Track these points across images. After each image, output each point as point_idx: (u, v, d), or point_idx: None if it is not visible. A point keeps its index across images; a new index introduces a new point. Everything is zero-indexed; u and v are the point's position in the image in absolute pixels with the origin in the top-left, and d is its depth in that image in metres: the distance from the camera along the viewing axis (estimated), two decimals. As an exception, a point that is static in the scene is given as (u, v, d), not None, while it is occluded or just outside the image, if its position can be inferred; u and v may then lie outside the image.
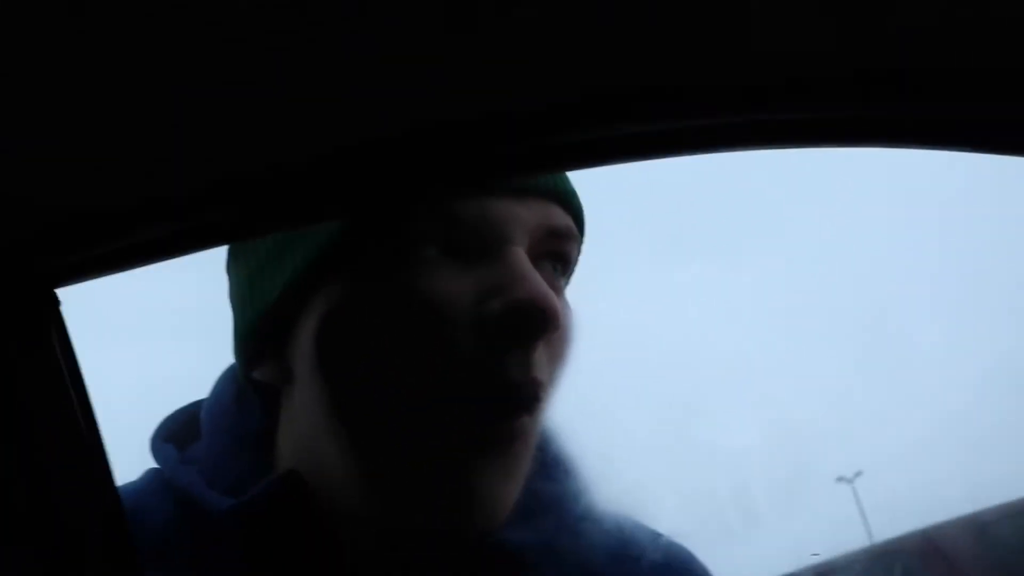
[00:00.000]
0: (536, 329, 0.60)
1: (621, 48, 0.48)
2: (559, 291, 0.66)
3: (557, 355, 0.64)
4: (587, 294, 0.72)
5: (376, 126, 0.50)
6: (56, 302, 0.58)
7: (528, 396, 0.61)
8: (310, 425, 0.65)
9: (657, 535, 0.73)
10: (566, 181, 0.68)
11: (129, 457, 0.68)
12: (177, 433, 0.72)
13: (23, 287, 0.56)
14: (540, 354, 0.62)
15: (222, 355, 0.72)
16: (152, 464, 0.70)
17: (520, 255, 0.62)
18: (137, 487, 0.69)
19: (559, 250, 0.66)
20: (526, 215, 0.63)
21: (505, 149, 0.54)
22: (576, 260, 0.69)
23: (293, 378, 0.65)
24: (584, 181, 0.67)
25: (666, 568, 0.72)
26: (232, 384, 0.71)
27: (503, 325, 0.60)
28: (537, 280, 0.61)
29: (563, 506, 0.68)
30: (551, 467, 0.69)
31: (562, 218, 0.66)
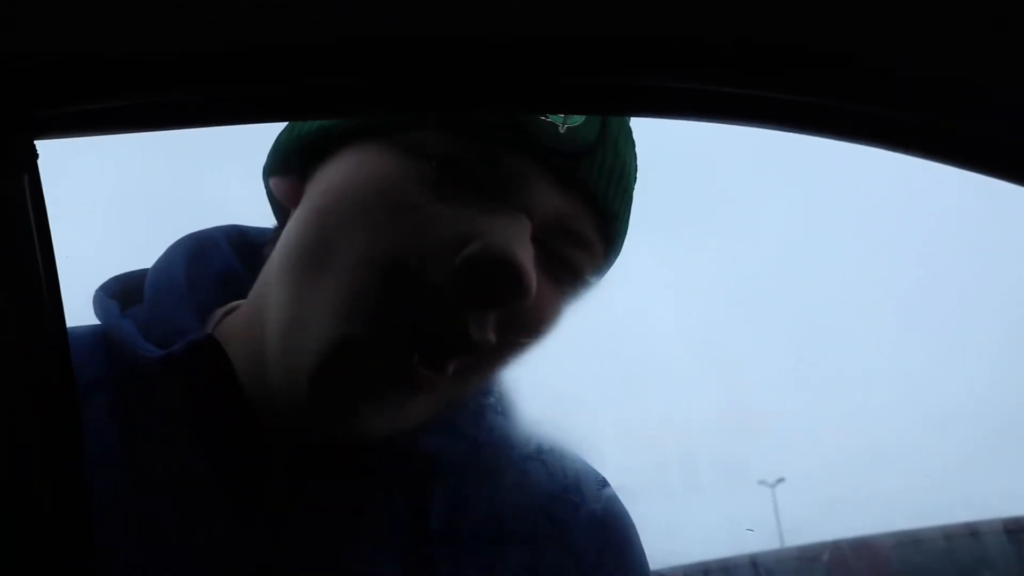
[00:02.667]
0: (496, 287, 0.60)
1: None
2: (552, 288, 0.65)
3: (514, 334, 0.64)
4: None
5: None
6: (33, 152, 0.57)
7: (458, 346, 0.62)
8: (279, 259, 0.66)
9: (603, 484, 0.75)
10: (622, 205, 0.68)
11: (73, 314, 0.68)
12: (121, 293, 0.73)
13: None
14: (493, 320, 0.63)
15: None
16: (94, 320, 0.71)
17: (522, 222, 0.62)
18: (77, 330, 0.70)
19: (566, 254, 0.65)
20: (553, 199, 0.63)
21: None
22: (585, 277, 0.68)
23: (297, 203, 0.67)
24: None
25: (601, 522, 0.73)
26: (184, 253, 0.73)
27: (467, 268, 0.60)
28: (522, 249, 0.61)
29: (508, 440, 0.69)
30: (502, 404, 0.70)
31: (589, 229, 0.66)
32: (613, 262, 0.70)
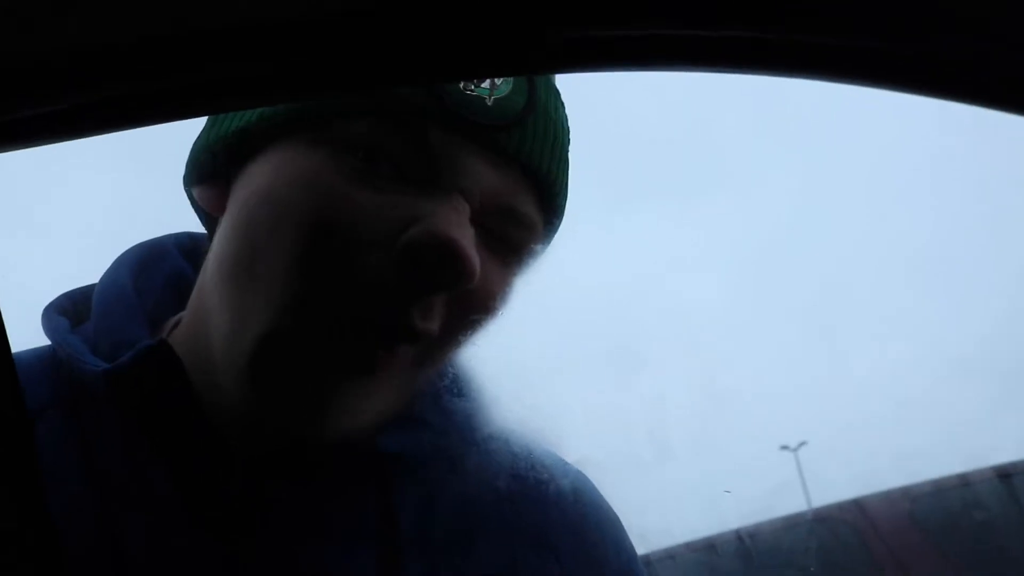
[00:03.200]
0: (438, 272, 0.58)
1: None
2: (497, 265, 0.64)
3: (462, 313, 0.63)
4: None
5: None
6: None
7: (403, 336, 0.60)
8: (212, 270, 0.64)
9: (565, 464, 0.73)
10: (559, 170, 0.65)
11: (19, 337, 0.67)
12: (69, 310, 0.71)
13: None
14: (439, 305, 0.61)
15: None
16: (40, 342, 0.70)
17: (459, 204, 0.60)
18: (28, 353, 0.69)
19: (507, 234, 0.64)
20: (489, 178, 0.61)
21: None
22: (528, 254, 0.66)
23: (222, 210, 0.65)
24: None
25: (573, 497, 0.72)
26: (130, 262, 0.71)
27: (407, 255, 0.58)
28: (461, 230, 0.59)
29: (471, 423, 0.67)
30: (461, 385, 0.68)
31: (527, 205, 0.64)
32: (557, 230, 0.68)
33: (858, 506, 4.08)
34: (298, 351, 0.59)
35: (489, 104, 0.61)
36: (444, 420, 0.68)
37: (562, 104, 0.68)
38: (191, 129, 0.70)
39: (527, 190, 0.63)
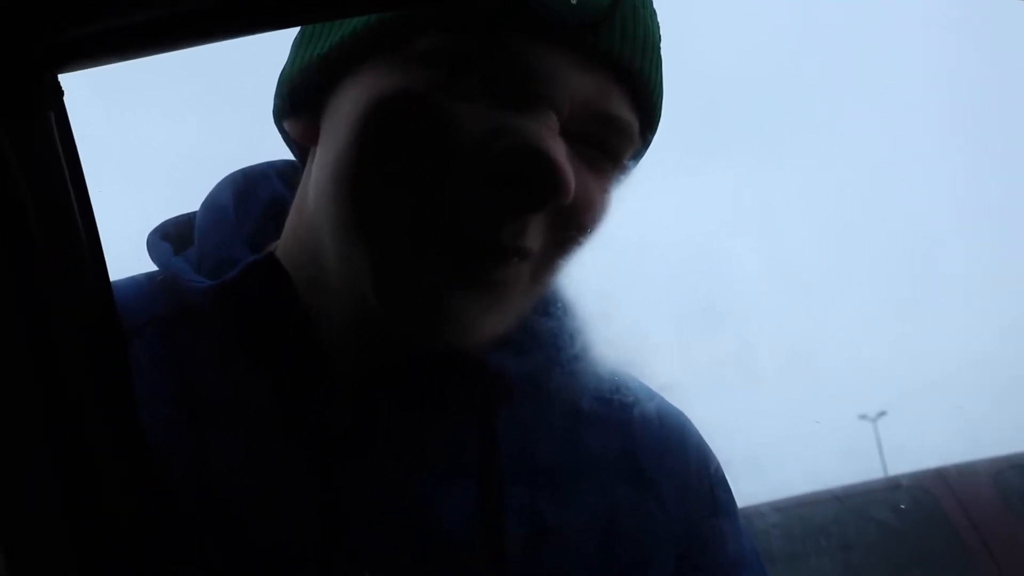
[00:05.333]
0: (531, 188, 0.57)
1: None
2: (590, 177, 0.62)
3: (565, 228, 0.61)
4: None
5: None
6: (58, 89, 0.56)
7: (500, 253, 0.59)
8: (313, 200, 0.64)
9: (652, 392, 0.72)
10: (652, 68, 0.62)
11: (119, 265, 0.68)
12: (172, 235, 0.72)
13: (20, 67, 0.54)
14: (539, 222, 0.60)
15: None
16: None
17: (548, 119, 0.58)
18: (127, 280, 0.70)
19: (602, 140, 0.61)
20: (580, 85, 0.59)
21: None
22: (626, 160, 0.64)
23: (316, 140, 0.65)
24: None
25: (658, 422, 0.71)
26: (231, 186, 0.72)
27: (497, 170, 0.57)
28: (552, 143, 0.57)
29: (557, 343, 0.66)
30: (550, 305, 0.67)
31: (623, 109, 0.61)
32: (654, 134, 0.66)
33: (940, 476, 3.98)
34: (404, 261, 0.59)
35: (573, 3, 0.58)
36: (542, 342, 0.67)
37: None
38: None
39: (620, 92, 0.61)
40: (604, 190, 0.62)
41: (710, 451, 0.74)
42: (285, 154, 0.75)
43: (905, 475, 4.21)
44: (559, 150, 0.58)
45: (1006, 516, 3.74)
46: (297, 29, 0.69)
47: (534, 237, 0.60)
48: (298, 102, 0.67)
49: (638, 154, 0.66)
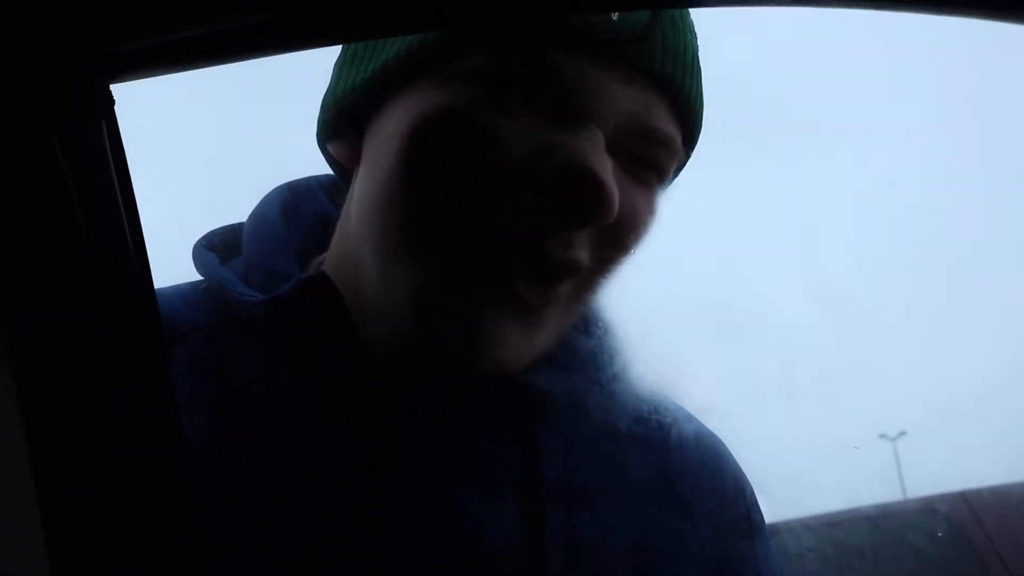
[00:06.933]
0: (577, 206, 0.57)
1: None
2: (635, 192, 0.62)
3: (610, 245, 0.61)
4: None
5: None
6: (110, 98, 0.57)
7: (554, 270, 0.59)
8: (355, 220, 0.65)
9: (690, 415, 0.72)
10: (696, 84, 0.63)
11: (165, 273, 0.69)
12: (217, 246, 0.72)
13: (74, 75, 0.55)
14: (583, 238, 0.60)
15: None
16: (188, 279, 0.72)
17: (594, 134, 0.59)
18: (173, 288, 0.71)
19: (647, 155, 0.62)
20: (624, 99, 0.59)
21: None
22: (670, 174, 0.64)
23: (360, 161, 0.66)
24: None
25: (695, 444, 0.71)
26: (278, 200, 0.72)
27: (544, 188, 0.57)
28: (598, 161, 0.57)
29: (597, 363, 0.66)
30: (590, 324, 0.67)
31: (666, 122, 0.61)
32: (696, 145, 0.66)
33: (963, 499, 3.93)
34: (446, 284, 0.60)
35: (614, 18, 0.58)
36: (583, 360, 0.67)
37: (687, 11, 0.65)
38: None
39: (662, 106, 0.61)
40: (648, 205, 0.63)
41: (745, 475, 0.74)
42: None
43: (928, 497, 4.16)
44: (606, 167, 0.58)
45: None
46: (337, 53, 0.70)
47: (581, 252, 0.60)
48: (342, 125, 0.68)
49: (679, 168, 0.66)
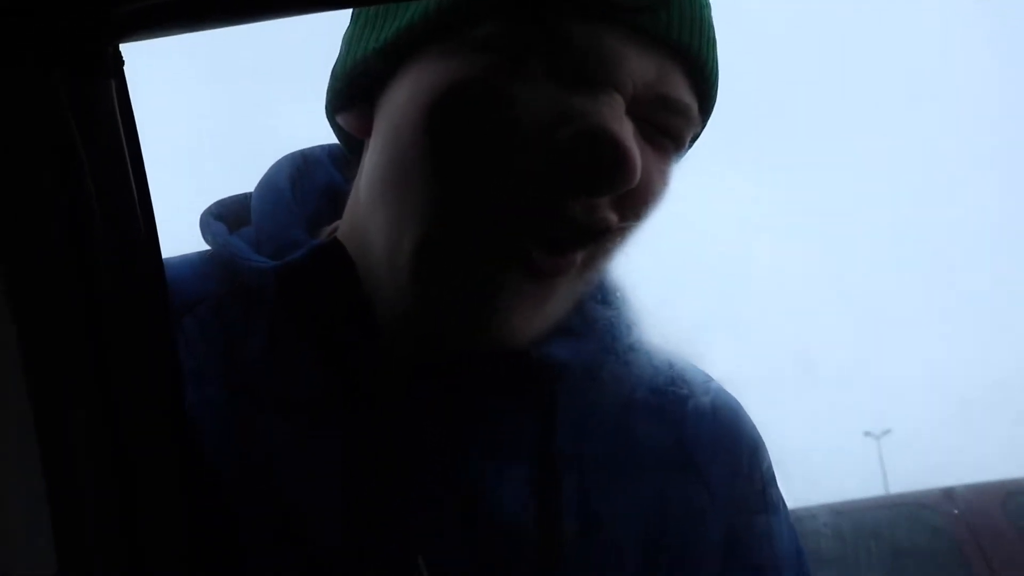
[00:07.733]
0: (600, 172, 0.57)
1: None
2: (652, 159, 0.62)
3: (628, 210, 0.61)
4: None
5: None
6: (119, 58, 0.56)
7: (573, 237, 0.59)
8: (369, 188, 0.64)
9: (708, 379, 0.71)
10: (712, 53, 0.63)
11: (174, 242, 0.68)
12: (227, 215, 0.71)
13: (85, 35, 0.54)
14: (603, 202, 0.60)
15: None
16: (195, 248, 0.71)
17: (613, 100, 0.58)
18: (181, 258, 0.70)
19: (664, 122, 0.62)
20: (641, 68, 0.59)
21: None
22: (686, 143, 0.65)
23: (370, 132, 0.65)
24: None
25: (712, 415, 0.70)
26: (287, 170, 0.71)
27: (566, 154, 0.57)
28: (620, 127, 0.58)
29: (613, 333, 0.66)
30: (607, 293, 0.67)
31: (683, 91, 0.62)
32: (711, 114, 0.66)
33: (947, 495, 3.96)
34: (460, 254, 0.59)
35: None
36: (599, 330, 0.67)
37: None
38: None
39: (679, 74, 0.61)
40: (664, 173, 0.63)
41: (763, 443, 0.74)
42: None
43: (912, 492, 4.19)
44: (627, 133, 0.58)
45: (1015, 539, 3.72)
46: (344, 26, 0.69)
47: (601, 216, 0.60)
48: (354, 95, 0.67)
49: (695, 137, 0.66)
